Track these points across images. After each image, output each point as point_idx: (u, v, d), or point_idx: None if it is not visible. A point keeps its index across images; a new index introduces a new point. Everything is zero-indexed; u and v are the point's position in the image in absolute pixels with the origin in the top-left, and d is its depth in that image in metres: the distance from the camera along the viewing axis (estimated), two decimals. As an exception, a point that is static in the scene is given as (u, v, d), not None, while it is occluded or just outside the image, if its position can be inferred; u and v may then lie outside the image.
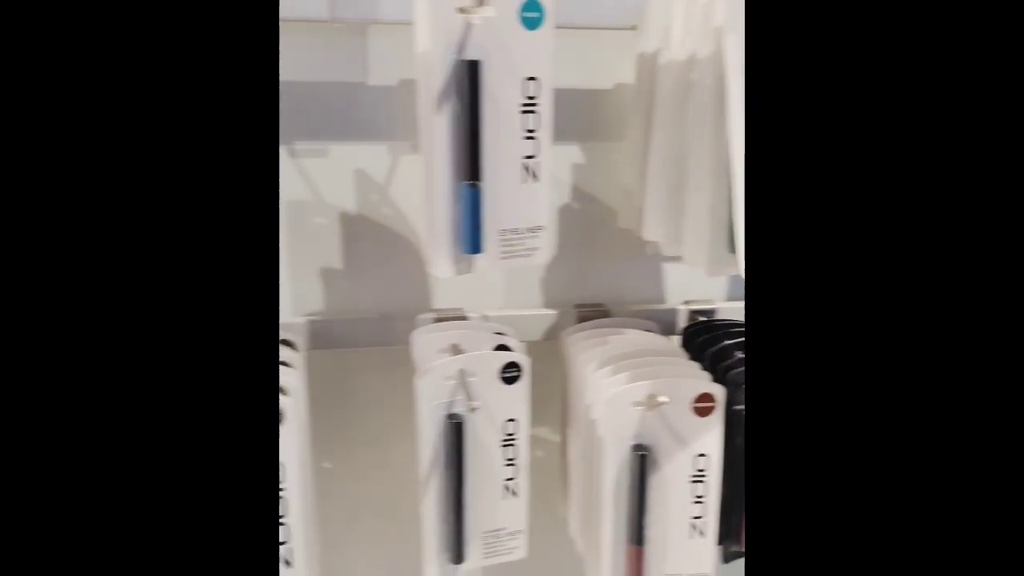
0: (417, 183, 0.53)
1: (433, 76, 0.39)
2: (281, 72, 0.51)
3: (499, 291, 0.57)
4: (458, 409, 0.47)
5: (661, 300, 0.59)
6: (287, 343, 0.49)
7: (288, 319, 0.53)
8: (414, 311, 0.54)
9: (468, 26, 0.39)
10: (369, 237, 0.55)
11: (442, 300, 0.57)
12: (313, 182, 0.53)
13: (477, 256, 0.42)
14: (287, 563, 0.44)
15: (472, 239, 0.41)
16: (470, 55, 0.39)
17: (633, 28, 0.51)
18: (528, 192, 0.43)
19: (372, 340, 0.53)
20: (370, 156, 0.53)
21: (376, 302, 0.56)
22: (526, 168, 0.42)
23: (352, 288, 0.55)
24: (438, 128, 0.39)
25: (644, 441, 0.45)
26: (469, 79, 0.39)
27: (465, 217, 0.41)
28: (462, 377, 0.46)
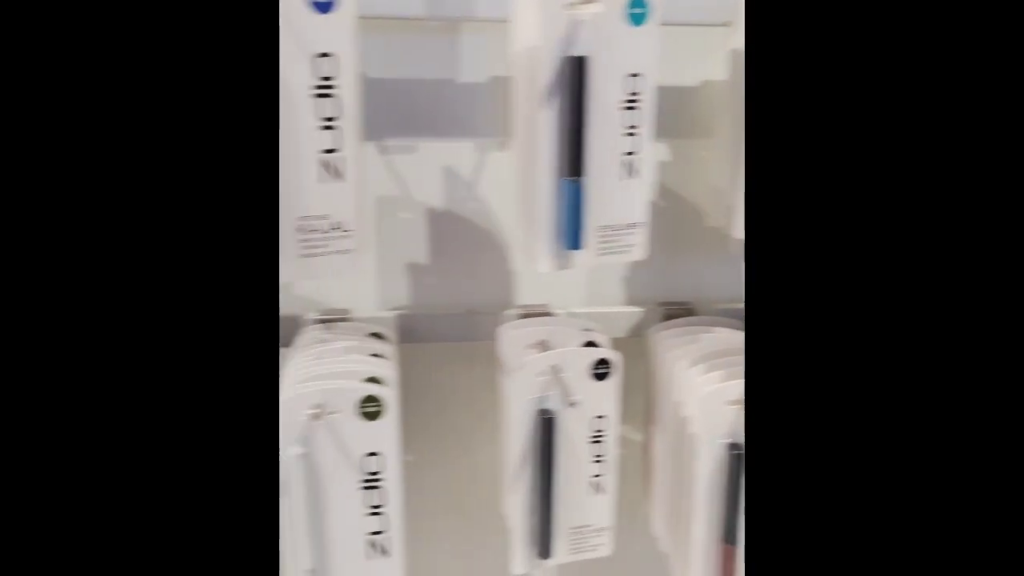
0: (505, 180, 0.54)
1: (539, 72, 0.39)
2: (373, 69, 0.51)
3: (581, 288, 0.58)
4: (549, 404, 0.47)
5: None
6: (379, 335, 0.50)
7: (376, 313, 0.53)
8: (497, 307, 0.54)
9: (575, 22, 0.39)
10: (455, 233, 0.55)
11: (525, 296, 0.57)
12: (401, 178, 0.54)
13: (576, 252, 0.42)
14: (384, 552, 0.44)
15: (573, 235, 0.41)
16: (577, 51, 0.39)
17: (725, 25, 0.50)
18: (627, 189, 0.43)
19: (457, 335, 0.54)
20: (458, 153, 0.54)
21: (460, 297, 0.56)
22: (626, 164, 0.42)
23: (437, 283, 0.56)
24: (543, 124, 0.40)
25: (738, 440, 0.45)
26: (576, 75, 0.39)
27: (567, 212, 0.41)
28: (555, 373, 0.46)
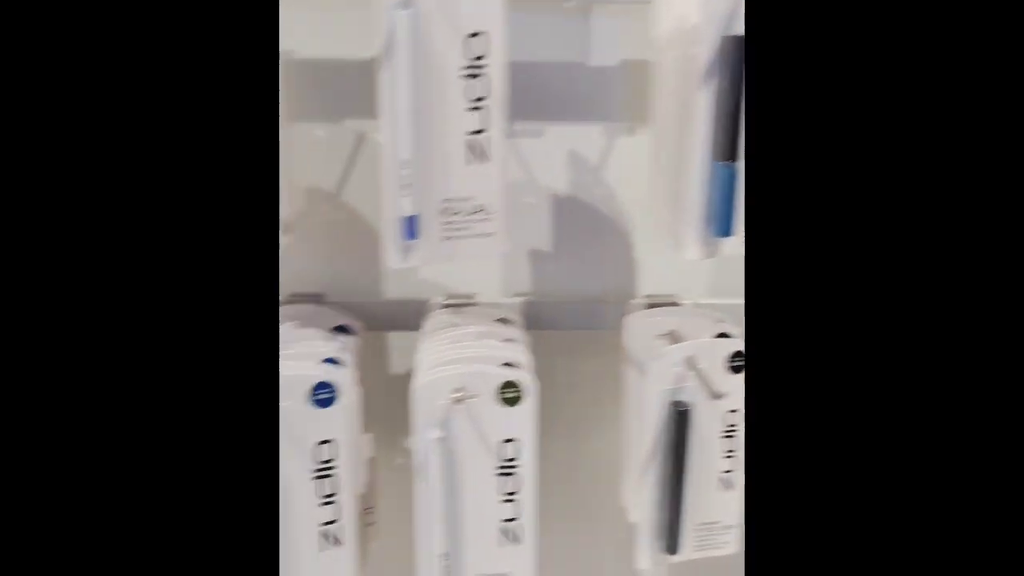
0: (632, 165, 0.53)
1: (697, 51, 0.38)
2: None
3: (704, 278, 0.56)
4: (683, 396, 0.46)
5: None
6: (505, 320, 0.49)
7: (498, 299, 0.53)
8: (619, 295, 0.53)
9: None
10: (579, 219, 0.54)
11: (647, 286, 0.56)
12: (527, 162, 0.53)
13: (725, 239, 0.41)
14: (516, 539, 0.44)
15: (725, 221, 0.40)
16: (739, 30, 0.37)
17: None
18: (778, 174, 0.41)
19: (581, 323, 0.53)
20: (585, 137, 0.53)
21: (582, 285, 0.55)
22: (780, 149, 0.40)
23: (559, 269, 0.55)
24: (699, 105, 0.38)
25: (887, 440, 0.43)
26: (737, 55, 0.38)
27: (719, 198, 0.40)
28: (691, 364, 0.45)
